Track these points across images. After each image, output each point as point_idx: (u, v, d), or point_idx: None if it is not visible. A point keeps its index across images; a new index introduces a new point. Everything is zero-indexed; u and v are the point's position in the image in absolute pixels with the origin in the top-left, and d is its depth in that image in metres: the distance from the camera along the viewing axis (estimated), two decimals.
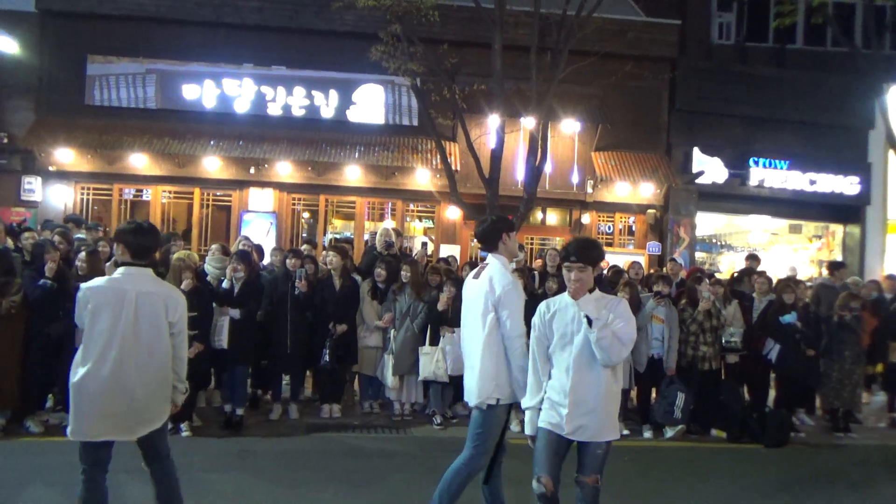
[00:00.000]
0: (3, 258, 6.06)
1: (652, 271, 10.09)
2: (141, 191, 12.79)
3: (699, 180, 13.25)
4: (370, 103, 12.71)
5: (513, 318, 3.80)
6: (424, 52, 10.65)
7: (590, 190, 13.01)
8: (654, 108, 13.44)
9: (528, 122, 10.59)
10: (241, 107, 12.50)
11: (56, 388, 6.42)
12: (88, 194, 12.56)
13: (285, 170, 12.47)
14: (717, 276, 9.59)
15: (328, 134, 12.48)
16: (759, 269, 8.94)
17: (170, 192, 12.78)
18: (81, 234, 8.10)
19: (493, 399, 3.82)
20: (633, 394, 7.51)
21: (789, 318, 7.36)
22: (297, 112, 12.60)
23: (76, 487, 3.55)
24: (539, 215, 13.79)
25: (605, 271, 8.22)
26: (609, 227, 13.75)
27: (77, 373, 3.49)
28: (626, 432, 6.94)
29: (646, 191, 13.10)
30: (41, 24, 12.32)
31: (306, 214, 13.28)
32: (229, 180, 12.57)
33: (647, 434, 7.10)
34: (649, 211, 13.52)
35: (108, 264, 6.30)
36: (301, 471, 5.53)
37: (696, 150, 13.24)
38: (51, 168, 12.19)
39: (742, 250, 14.13)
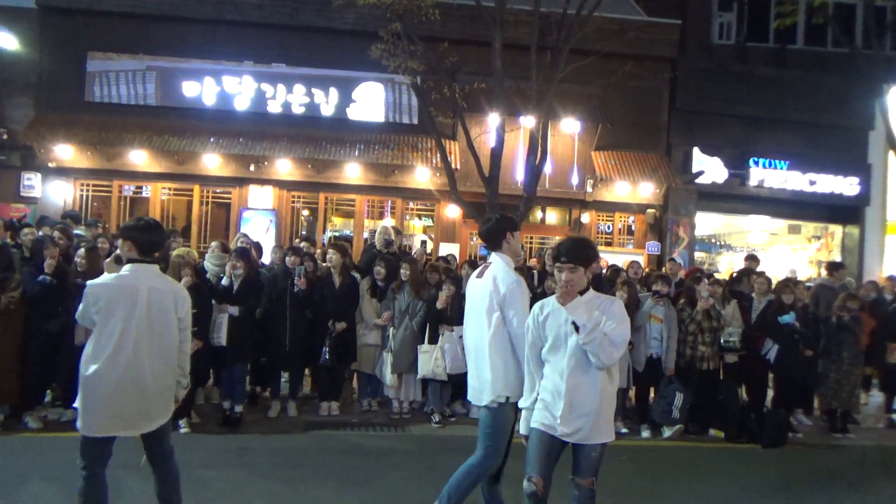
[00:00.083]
0: (2, 254, 6.07)
1: (648, 269, 10.06)
2: (140, 187, 12.79)
3: (699, 180, 13.26)
4: (370, 101, 12.71)
5: (519, 316, 3.81)
6: (425, 51, 10.66)
7: (589, 189, 13.02)
8: (654, 107, 13.44)
9: (528, 121, 10.59)
10: (241, 104, 12.49)
11: (55, 383, 6.41)
12: (88, 191, 12.56)
13: (285, 167, 12.47)
14: (716, 276, 9.58)
15: (328, 132, 12.47)
16: (759, 269, 8.94)
17: (169, 189, 12.77)
18: (80, 231, 8.09)
19: (501, 397, 3.83)
20: (632, 393, 7.50)
21: (788, 318, 7.36)
22: (297, 110, 12.59)
23: (75, 483, 3.55)
24: (539, 214, 13.79)
25: (604, 270, 8.23)
26: (608, 227, 13.76)
27: (89, 368, 3.51)
28: (624, 431, 6.97)
29: (645, 190, 13.11)
30: (41, 21, 12.32)
31: (306, 212, 13.27)
32: (229, 177, 12.57)
33: (646, 433, 7.10)
34: (649, 211, 13.53)
35: (106, 261, 6.28)
36: (299, 468, 5.53)
37: (695, 150, 13.26)
38: (50, 164, 12.18)
39: (741, 250, 14.15)
